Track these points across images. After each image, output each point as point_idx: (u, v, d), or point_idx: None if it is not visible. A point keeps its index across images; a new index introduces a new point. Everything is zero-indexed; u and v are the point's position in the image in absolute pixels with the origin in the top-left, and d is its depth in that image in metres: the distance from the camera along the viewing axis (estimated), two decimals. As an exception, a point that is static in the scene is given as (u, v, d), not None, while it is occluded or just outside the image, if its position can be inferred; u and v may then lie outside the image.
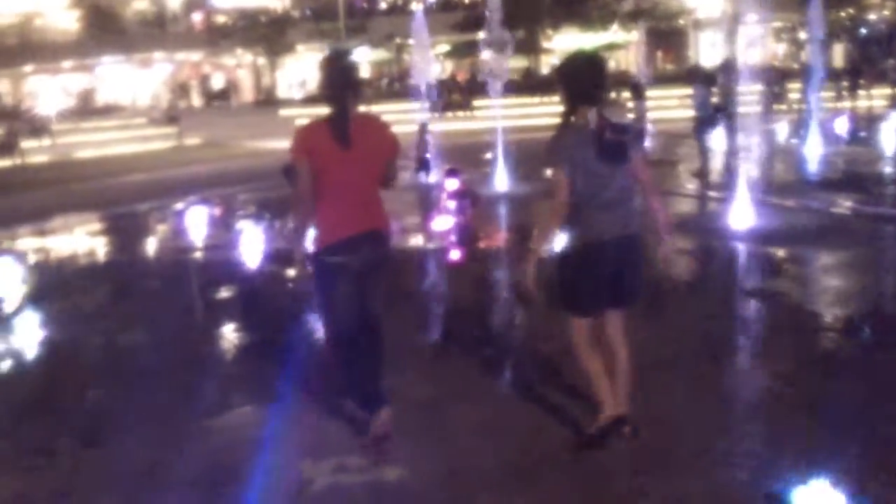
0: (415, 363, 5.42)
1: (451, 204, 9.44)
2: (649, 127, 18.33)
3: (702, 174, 13.91)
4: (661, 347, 5.37)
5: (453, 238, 9.23)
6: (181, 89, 42.32)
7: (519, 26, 38.13)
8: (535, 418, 4.55)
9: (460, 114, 32.23)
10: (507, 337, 6.12)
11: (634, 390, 4.20)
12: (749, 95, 20.95)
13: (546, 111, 30.98)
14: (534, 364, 5.36)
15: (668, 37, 40.05)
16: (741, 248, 8.85)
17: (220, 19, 46.34)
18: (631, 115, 14.19)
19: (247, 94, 45.81)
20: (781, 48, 42.85)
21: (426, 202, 13.49)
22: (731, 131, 14.33)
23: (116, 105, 41.27)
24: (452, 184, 9.35)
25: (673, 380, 4.95)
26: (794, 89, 26.55)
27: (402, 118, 31.51)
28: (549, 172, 4.01)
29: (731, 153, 14.09)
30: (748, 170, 10.48)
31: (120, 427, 4.72)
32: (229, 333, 6.71)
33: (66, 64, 47.52)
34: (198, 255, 10.08)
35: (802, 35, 41.85)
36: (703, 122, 14.28)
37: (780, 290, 7.13)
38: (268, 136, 26.89)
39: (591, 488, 3.85)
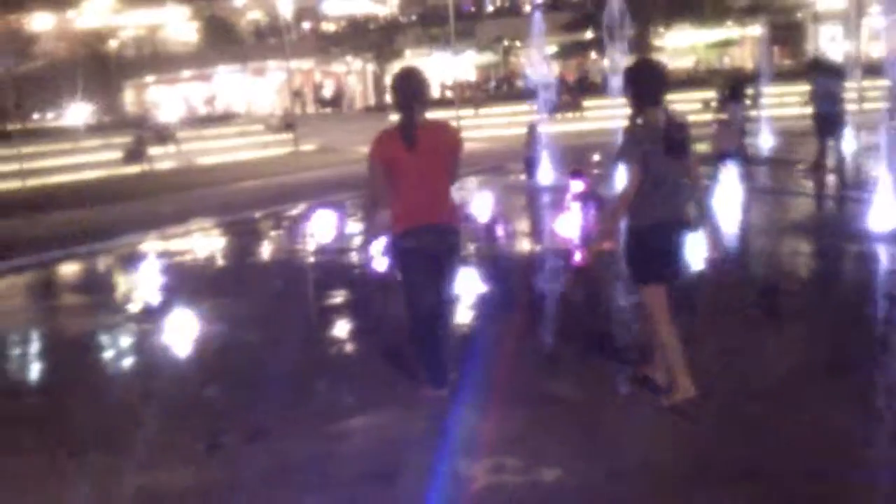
0: (561, 365, 5.41)
1: (576, 206, 9.33)
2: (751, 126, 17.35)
3: (818, 170, 13.37)
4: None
5: (577, 241, 9.12)
6: (296, 96, 43.47)
7: (632, 26, 37.75)
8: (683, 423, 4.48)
9: (570, 115, 31.94)
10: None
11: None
12: (874, 91, 20.01)
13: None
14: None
15: (785, 31, 38.64)
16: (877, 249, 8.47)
17: (330, 27, 47.40)
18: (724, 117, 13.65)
19: (357, 100, 46.69)
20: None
21: (537, 203, 13.47)
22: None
23: (232, 112, 42.66)
24: (578, 185, 9.25)
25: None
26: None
27: (513, 120, 31.77)
28: (623, 166, 4.60)
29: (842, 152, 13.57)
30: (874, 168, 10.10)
31: (273, 425, 4.87)
32: (357, 334, 6.86)
33: (186, 74, 49.61)
34: (322, 257, 10.30)
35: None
36: (826, 119, 13.55)
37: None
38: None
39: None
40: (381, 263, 5.11)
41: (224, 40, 46.79)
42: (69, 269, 10.96)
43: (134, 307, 8.31)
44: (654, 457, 4.18)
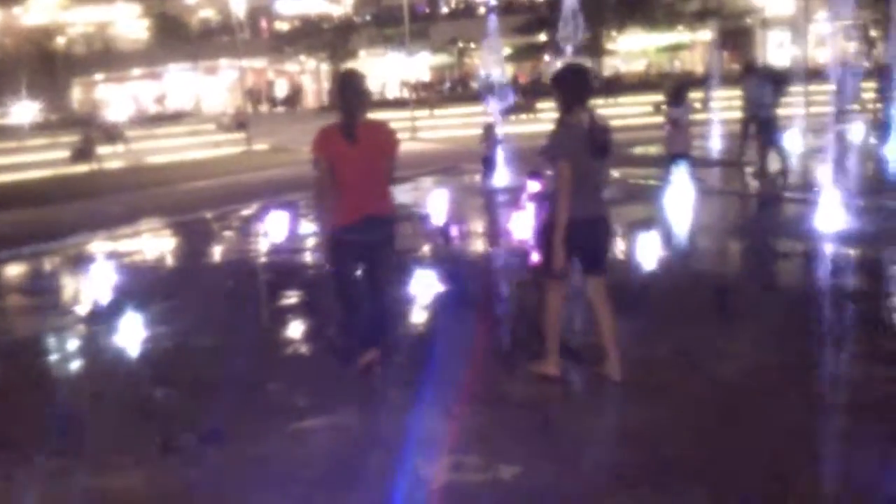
0: (518, 365, 5.43)
1: (531, 206, 9.34)
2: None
3: (762, 174, 13.75)
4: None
5: (532, 240, 9.14)
6: (251, 95, 43.05)
7: (587, 29, 38.09)
8: (650, 421, 4.53)
9: (523, 116, 32.11)
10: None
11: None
12: (819, 96, 20.56)
13: (611, 113, 30.89)
14: (637, 364, 5.32)
15: (734, 36, 39.33)
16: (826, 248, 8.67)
17: (284, 26, 47.01)
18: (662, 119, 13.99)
19: (310, 99, 46.36)
20: (852, 46, 41.76)
21: (493, 203, 13.53)
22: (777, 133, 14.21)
23: (183, 111, 42.08)
24: (534, 185, 9.26)
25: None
26: (867, 88, 25.87)
27: (468, 121, 31.82)
28: (551, 163, 4.85)
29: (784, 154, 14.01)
30: (823, 170, 10.40)
31: (228, 426, 4.80)
32: (311, 334, 6.81)
33: (136, 72, 48.80)
34: (274, 257, 10.22)
35: (873, 33, 40.89)
36: (766, 122, 14.04)
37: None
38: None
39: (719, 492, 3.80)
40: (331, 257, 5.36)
41: (175, 38, 46.11)
42: (14, 271, 10.67)
43: (81, 309, 8.11)
44: (610, 456, 4.21)
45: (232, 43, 47.41)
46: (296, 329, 7.01)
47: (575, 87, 4.92)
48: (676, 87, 16.26)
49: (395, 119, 33.14)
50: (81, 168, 23.56)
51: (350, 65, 43.40)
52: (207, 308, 7.78)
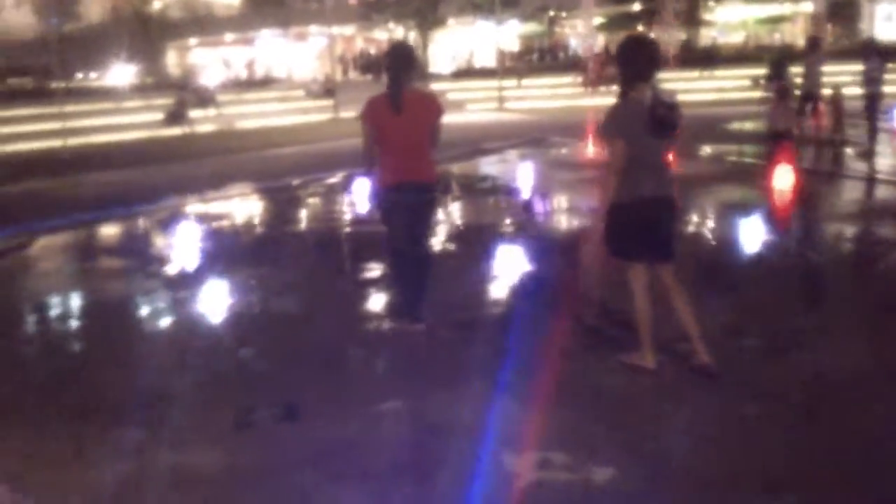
0: (604, 355, 5.18)
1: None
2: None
3: (869, 155, 13.05)
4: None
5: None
6: (341, 62, 43.15)
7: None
8: (749, 419, 4.23)
9: (614, 88, 31.32)
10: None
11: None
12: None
13: (705, 86, 29.84)
14: (733, 356, 5.02)
15: (839, 8, 37.52)
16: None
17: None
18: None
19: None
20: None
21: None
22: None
23: (273, 77, 42.49)
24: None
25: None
26: None
27: (556, 93, 31.23)
28: (607, 141, 4.70)
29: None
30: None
31: (307, 404, 4.69)
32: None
33: (229, 37, 49.48)
34: (361, 228, 10.12)
35: None
36: (874, 100, 13.54)
37: None
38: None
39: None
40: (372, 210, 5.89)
41: (267, 3, 46.51)
42: (108, 232, 10.90)
43: (170, 273, 8.19)
44: (710, 455, 3.94)
45: (321, 9, 47.86)
46: (378, 302, 6.87)
47: (637, 61, 4.67)
48: (778, 60, 15.59)
49: (482, 88, 32.85)
50: (174, 131, 23.97)
51: (439, 33, 43.15)
52: (293, 276, 7.76)
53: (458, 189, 11.72)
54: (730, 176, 12.22)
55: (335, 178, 13.95)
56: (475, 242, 8.70)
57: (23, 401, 4.96)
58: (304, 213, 11.85)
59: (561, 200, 11.66)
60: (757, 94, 21.58)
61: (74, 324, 6.94)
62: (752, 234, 8.86)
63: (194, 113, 25.10)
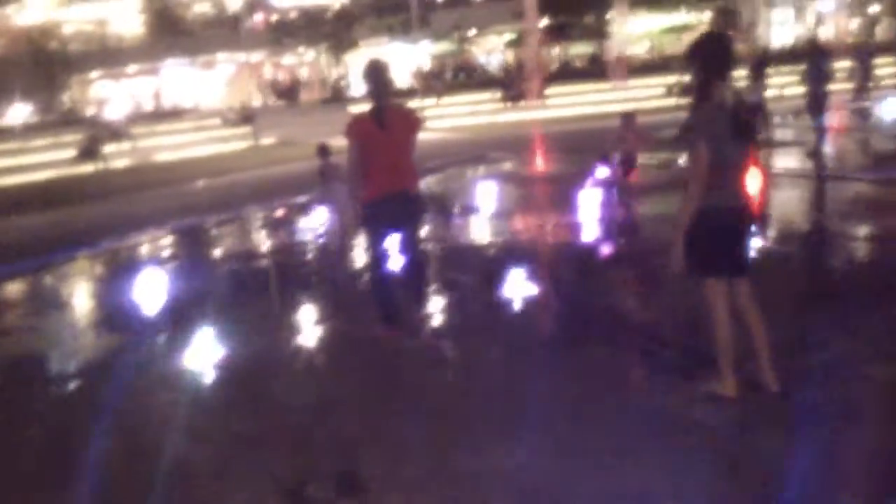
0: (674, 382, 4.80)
1: (597, 192, 8.90)
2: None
3: (816, 154, 13.29)
4: None
5: (602, 228, 8.68)
6: (258, 88, 42.49)
7: (587, 11, 37.57)
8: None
9: (535, 102, 31.68)
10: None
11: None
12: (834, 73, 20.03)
13: (620, 97, 30.41)
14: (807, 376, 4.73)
15: (735, 15, 38.89)
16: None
17: (280, 18, 46.35)
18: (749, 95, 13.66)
19: (309, 91, 45.72)
20: (854, 23, 41.38)
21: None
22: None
23: (181, 107, 41.49)
24: (603, 171, 8.78)
25: None
26: (880, 65, 25.43)
27: (475, 109, 31.38)
28: (688, 146, 4.29)
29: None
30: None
31: (368, 469, 4.10)
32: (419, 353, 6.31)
33: (132, 68, 48.12)
34: (323, 262, 9.72)
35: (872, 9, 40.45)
36: (819, 99, 13.78)
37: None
38: (341, 134, 26.72)
39: None
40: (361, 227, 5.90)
41: (171, 33, 45.47)
42: (46, 281, 9.88)
43: (146, 323, 7.37)
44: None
45: (230, 36, 47.06)
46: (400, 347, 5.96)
47: (715, 59, 4.28)
48: (757, 62, 15.76)
49: (401, 104, 32.71)
50: (87, 168, 23.09)
51: (351, 55, 42.91)
52: (284, 317, 7.16)
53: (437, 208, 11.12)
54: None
55: (276, 207, 13.40)
56: (509, 265, 7.89)
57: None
58: (263, 247, 11.16)
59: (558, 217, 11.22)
60: (672, 101, 22.09)
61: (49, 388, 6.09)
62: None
63: (108, 148, 24.23)
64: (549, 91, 32.92)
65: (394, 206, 5.74)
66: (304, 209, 12.46)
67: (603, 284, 7.26)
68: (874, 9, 40.64)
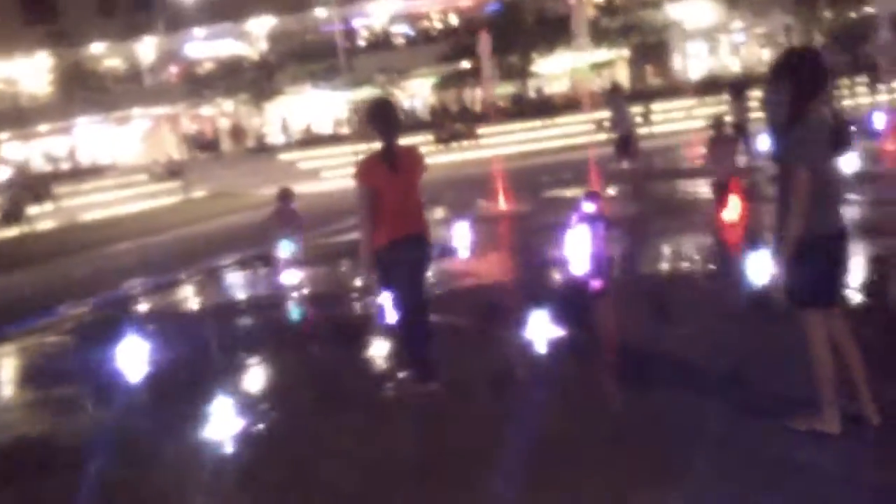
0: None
1: (583, 227, 8.61)
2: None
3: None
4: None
5: (589, 267, 8.39)
6: (181, 142, 41.37)
7: (511, 52, 37.94)
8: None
9: (465, 143, 31.69)
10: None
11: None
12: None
13: (549, 134, 30.72)
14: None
15: (653, 50, 39.89)
16: None
17: (197, 70, 45.51)
18: (728, 118, 13.86)
19: (228, 142, 44.83)
20: (766, 53, 43.00)
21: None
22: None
23: (100, 165, 40.13)
24: (589, 206, 8.53)
25: None
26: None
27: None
28: (789, 168, 4.01)
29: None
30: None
31: None
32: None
33: (43, 128, 46.37)
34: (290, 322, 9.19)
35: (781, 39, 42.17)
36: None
37: None
38: (275, 182, 26.05)
39: None
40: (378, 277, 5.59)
41: (82, 89, 43.97)
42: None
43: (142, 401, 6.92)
44: None
45: (142, 90, 45.88)
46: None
47: (811, 76, 4.03)
48: (738, 86, 16.05)
49: (333, 155, 32.32)
50: (11, 231, 21.91)
51: (273, 104, 42.35)
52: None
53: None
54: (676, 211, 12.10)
55: (222, 266, 12.74)
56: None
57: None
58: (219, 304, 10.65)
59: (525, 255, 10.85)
60: (602, 136, 22.35)
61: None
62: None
63: (31, 209, 23.10)
64: (482, 130, 33.02)
65: (410, 251, 5.48)
66: (263, 261, 11.83)
67: (641, 323, 6.94)
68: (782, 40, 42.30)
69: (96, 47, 45.81)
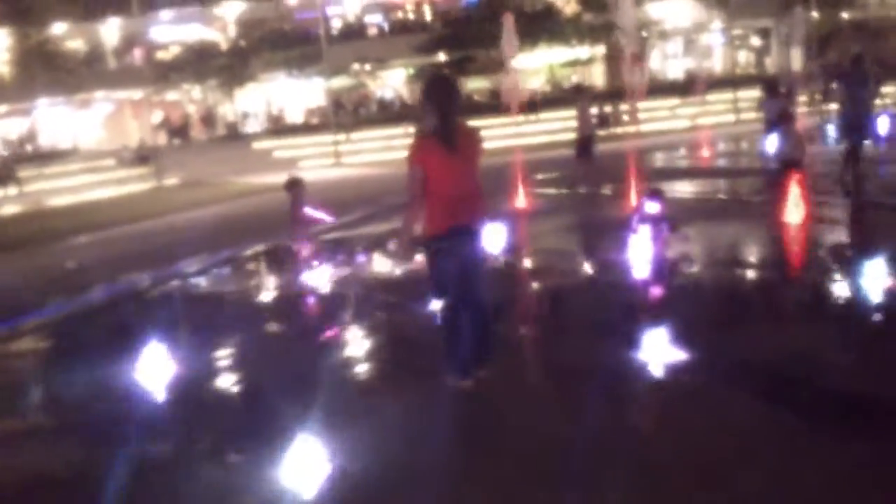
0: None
1: (645, 229, 8.08)
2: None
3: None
4: None
5: (650, 268, 7.85)
6: (153, 128, 40.07)
7: (487, 46, 37.38)
8: None
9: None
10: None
11: None
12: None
13: (533, 129, 30.21)
14: None
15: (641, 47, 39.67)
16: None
17: (163, 55, 44.26)
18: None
19: (198, 129, 43.72)
20: (742, 55, 43.11)
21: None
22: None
23: (60, 149, 38.78)
24: (653, 207, 8.01)
25: None
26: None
27: (391, 144, 30.54)
28: None
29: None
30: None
31: None
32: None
33: (1, 109, 44.76)
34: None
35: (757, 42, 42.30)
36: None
37: None
38: (251, 171, 25.29)
39: None
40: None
41: (44, 70, 42.43)
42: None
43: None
44: None
45: (106, 73, 44.45)
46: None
47: None
48: (770, 82, 16.13)
49: (310, 144, 31.50)
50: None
51: (245, 90, 41.33)
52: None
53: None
54: (735, 212, 11.58)
55: (214, 262, 11.83)
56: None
57: None
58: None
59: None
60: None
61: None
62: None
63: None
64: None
65: (462, 242, 5.04)
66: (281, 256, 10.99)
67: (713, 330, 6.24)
68: (756, 41, 42.43)
69: (58, 27, 44.30)
